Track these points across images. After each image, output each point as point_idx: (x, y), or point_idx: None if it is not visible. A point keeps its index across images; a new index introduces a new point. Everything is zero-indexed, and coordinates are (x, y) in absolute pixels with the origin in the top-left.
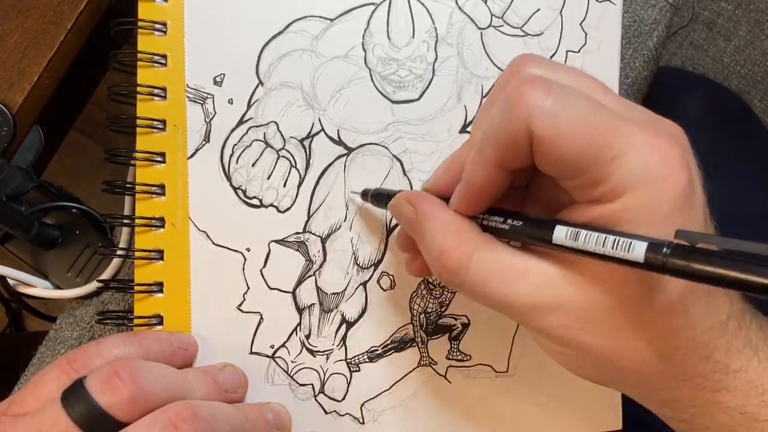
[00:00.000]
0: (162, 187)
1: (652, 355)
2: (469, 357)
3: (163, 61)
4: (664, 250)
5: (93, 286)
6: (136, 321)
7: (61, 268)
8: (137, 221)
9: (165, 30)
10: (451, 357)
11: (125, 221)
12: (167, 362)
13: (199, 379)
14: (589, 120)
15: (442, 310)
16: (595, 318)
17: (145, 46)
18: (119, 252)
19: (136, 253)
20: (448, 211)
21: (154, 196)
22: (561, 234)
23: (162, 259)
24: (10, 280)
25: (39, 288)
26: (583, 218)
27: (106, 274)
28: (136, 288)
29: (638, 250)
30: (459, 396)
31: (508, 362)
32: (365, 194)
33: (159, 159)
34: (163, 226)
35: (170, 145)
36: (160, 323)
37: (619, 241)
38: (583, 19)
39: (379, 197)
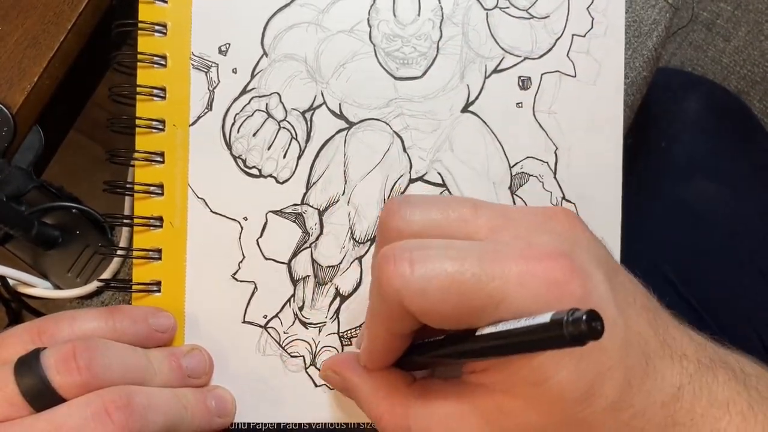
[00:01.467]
0: (161, 186)
1: None
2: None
3: (164, 31)
4: (566, 322)
5: (93, 286)
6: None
7: (61, 268)
8: (136, 221)
9: (165, 31)
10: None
11: (125, 221)
12: (139, 344)
13: (162, 362)
14: (457, 280)
15: None
16: None
17: (146, 48)
18: (119, 252)
19: (135, 253)
20: (373, 373)
21: (153, 195)
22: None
23: (160, 258)
24: (10, 280)
25: (39, 288)
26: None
27: (106, 274)
28: (135, 287)
29: (542, 332)
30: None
31: None
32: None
33: (158, 159)
34: (161, 226)
35: (170, 144)
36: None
37: (530, 318)
38: (591, 4)
39: None
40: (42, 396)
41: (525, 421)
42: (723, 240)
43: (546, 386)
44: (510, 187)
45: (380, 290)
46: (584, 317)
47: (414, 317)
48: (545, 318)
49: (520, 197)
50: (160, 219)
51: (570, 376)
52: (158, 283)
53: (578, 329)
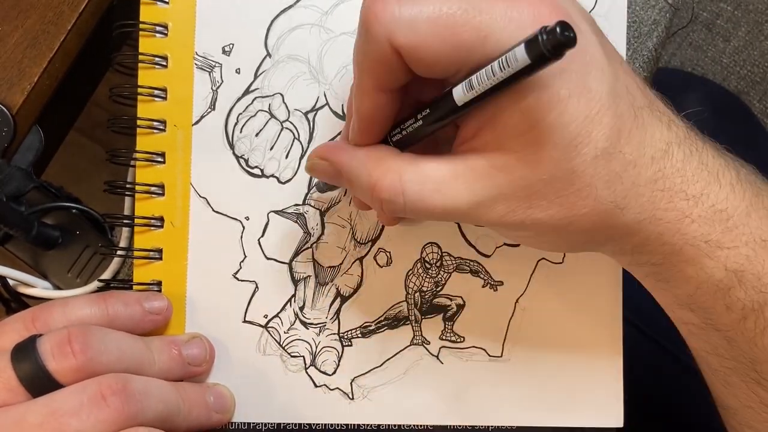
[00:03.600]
0: (161, 186)
1: (605, 205)
2: (462, 339)
3: (165, 32)
4: (540, 37)
5: (93, 286)
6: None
7: (61, 269)
8: (137, 221)
9: (166, 32)
10: (444, 338)
11: (125, 221)
12: (135, 328)
13: (162, 351)
14: (444, 12)
15: (438, 289)
16: (536, 193)
17: (147, 48)
18: (119, 252)
19: (135, 253)
20: (362, 148)
21: (153, 195)
22: (459, 92)
23: (161, 258)
24: (10, 281)
25: (39, 288)
26: (489, 108)
27: (106, 275)
28: (135, 287)
29: (520, 54)
30: (451, 378)
31: (502, 347)
32: (319, 186)
33: (159, 159)
34: (162, 226)
35: (170, 144)
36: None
37: (502, 59)
38: (592, 9)
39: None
40: (39, 381)
41: (517, 175)
42: None
43: (535, 132)
44: None
45: (369, 30)
46: (557, 27)
47: (402, 65)
48: (521, 49)
49: None
50: (161, 219)
51: (558, 119)
52: (159, 283)
53: (553, 38)
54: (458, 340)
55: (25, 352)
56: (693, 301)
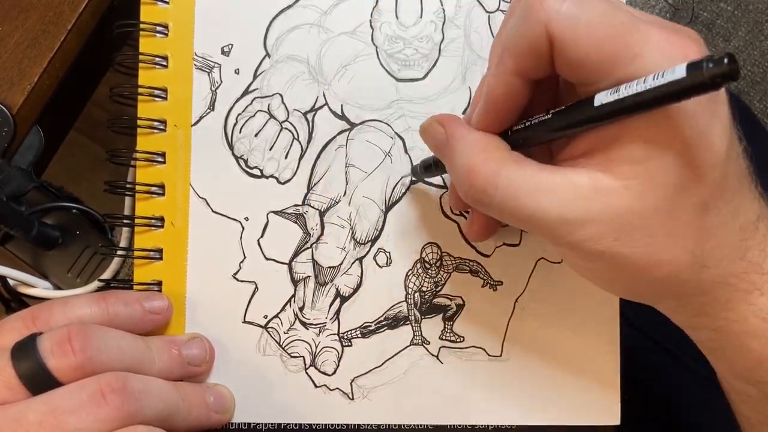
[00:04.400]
0: (162, 186)
1: (688, 257)
2: (462, 338)
3: (166, 32)
4: (706, 63)
5: (93, 286)
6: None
7: (61, 269)
8: (137, 221)
9: (166, 32)
10: (444, 337)
11: (125, 221)
12: (135, 327)
13: (162, 350)
14: (608, 20)
15: (438, 289)
16: (628, 226)
17: (147, 48)
18: (119, 252)
19: (136, 253)
20: (477, 131)
21: (154, 195)
22: (602, 95)
23: (161, 258)
24: (10, 281)
25: (39, 288)
26: (610, 129)
27: (106, 275)
28: (135, 288)
29: (679, 71)
30: (450, 377)
31: (502, 347)
32: (415, 171)
33: (159, 159)
34: (162, 226)
35: (171, 144)
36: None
37: (658, 72)
38: None
39: (426, 165)
40: (38, 379)
41: (617, 203)
42: None
43: (649, 165)
44: None
45: (530, 12)
46: (725, 58)
47: (549, 57)
48: (681, 67)
49: None
50: (161, 219)
51: (675, 159)
52: (159, 283)
53: (719, 68)
54: (458, 339)
55: (25, 350)
56: (751, 374)
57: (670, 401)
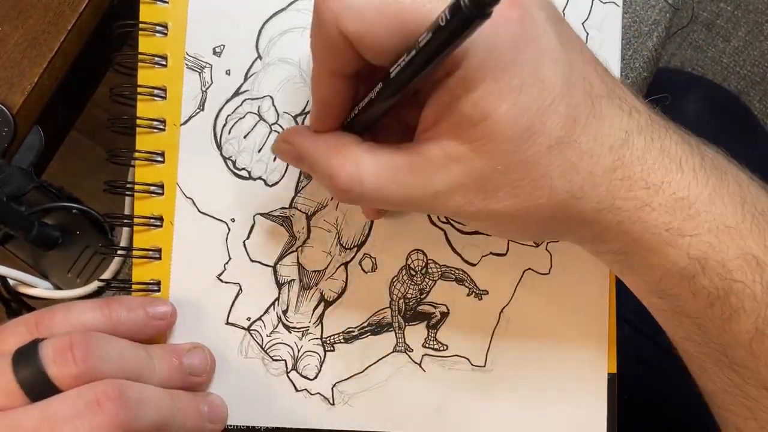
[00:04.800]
0: (161, 186)
1: (561, 195)
2: (445, 347)
3: (165, 31)
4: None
5: (93, 286)
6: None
7: (61, 269)
8: (136, 220)
9: (166, 32)
10: (427, 345)
11: (125, 221)
12: (138, 333)
13: (163, 359)
14: (393, 0)
15: (422, 297)
16: (491, 184)
17: (146, 47)
18: (119, 252)
19: (135, 252)
20: (322, 134)
21: (153, 195)
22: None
23: (160, 258)
24: (10, 281)
25: (39, 288)
26: (444, 98)
27: (106, 275)
28: (135, 287)
29: (444, 16)
30: (432, 385)
31: (486, 356)
32: None
33: (159, 159)
34: (161, 225)
35: (170, 143)
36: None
37: (435, 21)
38: (586, 19)
39: None
40: (38, 386)
41: (472, 166)
42: None
43: (488, 122)
44: None
45: (319, 16)
46: None
47: (353, 51)
48: (446, 10)
49: None
50: (161, 218)
51: (510, 109)
52: (158, 283)
53: None
54: (441, 348)
55: (26, 356)
56: (660, 289)
57: (669, 402)
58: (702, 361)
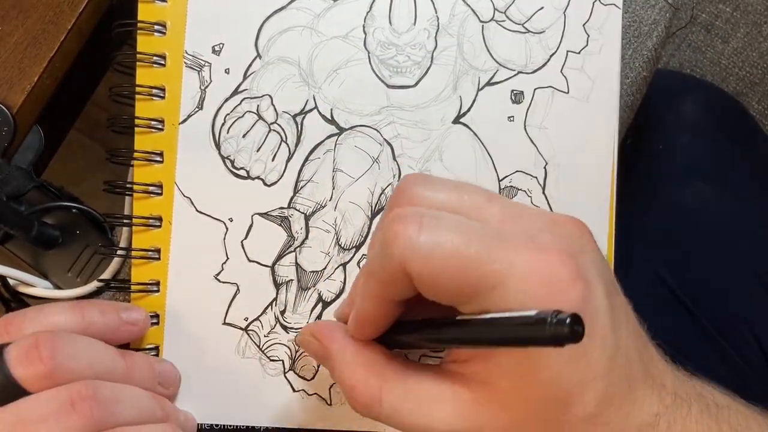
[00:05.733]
0: (160, 186)
1: None
2: (441, 348)
3: (164, 30)
4: (550, 320)
5: (93, 286)
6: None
7: (61, 268)
8: (135, 220)
9: (164, 31)
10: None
11: (125, 221)
12: (111, 336)
13: (135, 360)
14: (461, 253)
15: None
16: None
17: (145, 47)
18: (119, 252)
19: (134, 252)
20: (354, 343)
21: (152, 195)
22: (461, 328)
23: (159, 258)
24: (10, 280)
25: (39, 288)
26: None
27: (106, 275)
28: (133, 287)
29: (523, 329)
30: None
31: None
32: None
33: (158, 158)
34: (160, 225)
35: (168, 143)
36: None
37: (507, 325)
38: (587, 21)
39: None
40: (6, 390)
41: (500, 417)
42: (720, 242)
43: (527, 381)
44: None
45: (385, 250)
46: (568, 319)
47: (411, 284)
48: (530, 313)
49: None
50: (160, 218)
51: (553, 376)
52: (157, 283)
53: (560, 330)
54: (438, 349)
55: None
56: None
57: None
58: None
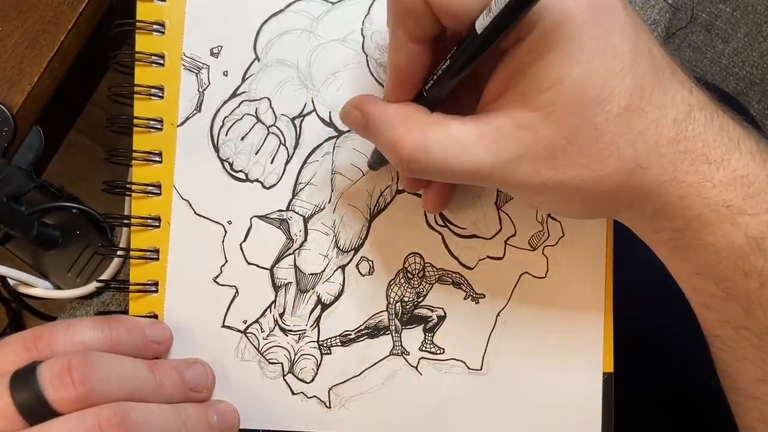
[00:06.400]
0: (158, 186)
1: (626, 165)
2: (442, 350)
3: (162, 30)
4: None
5: (93, 286)
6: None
7: (61, 269)
8: (134, 221)
9: (163, 30)
10: (424, 349)
11: (125, 221)
12: (136, 355)
13: (164, 375)
14: None
15: (419, 300)
16: (560, 152)
17: (143, 46)
18: (118, 252)
19: (133, 253)
20: (392, 104)
21: (150, 195)
22: (480, 21)
23: (158, 258)
24: (10, 280)
25: (39, 288)
26: (514, 65)
27: (106, 275)
28: (132, 288)
29: None
30: (429, 389)
31: (482, 360)
32: (370, 162)
33: (156, 159)
34: (159, 226)
35: (167, 143)
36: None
37: None
38: None
39: (376, 152)
40: (36, 410)
41: (541, 133)
42: None
43: (559, 87)
44: (496, 203)
45: None
46: None
47: (431, 15)
48: None
49: (505, 212)
50: (158, 219)
51: (582, 74)
52: (156, 284)
53: None
54: (438, 351)
55: (24, 380)
56: (711, 270)
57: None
58: (740, 347)
